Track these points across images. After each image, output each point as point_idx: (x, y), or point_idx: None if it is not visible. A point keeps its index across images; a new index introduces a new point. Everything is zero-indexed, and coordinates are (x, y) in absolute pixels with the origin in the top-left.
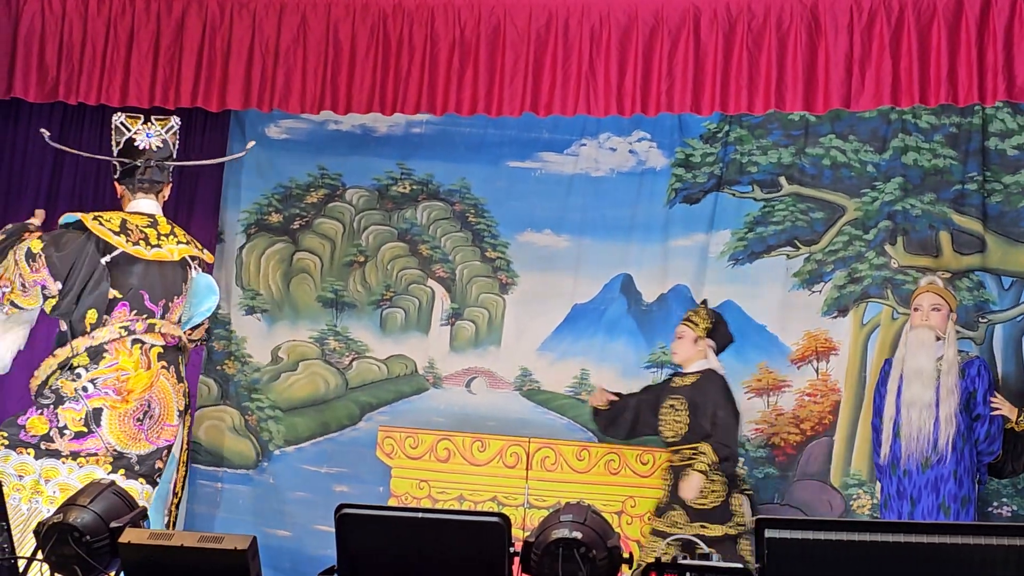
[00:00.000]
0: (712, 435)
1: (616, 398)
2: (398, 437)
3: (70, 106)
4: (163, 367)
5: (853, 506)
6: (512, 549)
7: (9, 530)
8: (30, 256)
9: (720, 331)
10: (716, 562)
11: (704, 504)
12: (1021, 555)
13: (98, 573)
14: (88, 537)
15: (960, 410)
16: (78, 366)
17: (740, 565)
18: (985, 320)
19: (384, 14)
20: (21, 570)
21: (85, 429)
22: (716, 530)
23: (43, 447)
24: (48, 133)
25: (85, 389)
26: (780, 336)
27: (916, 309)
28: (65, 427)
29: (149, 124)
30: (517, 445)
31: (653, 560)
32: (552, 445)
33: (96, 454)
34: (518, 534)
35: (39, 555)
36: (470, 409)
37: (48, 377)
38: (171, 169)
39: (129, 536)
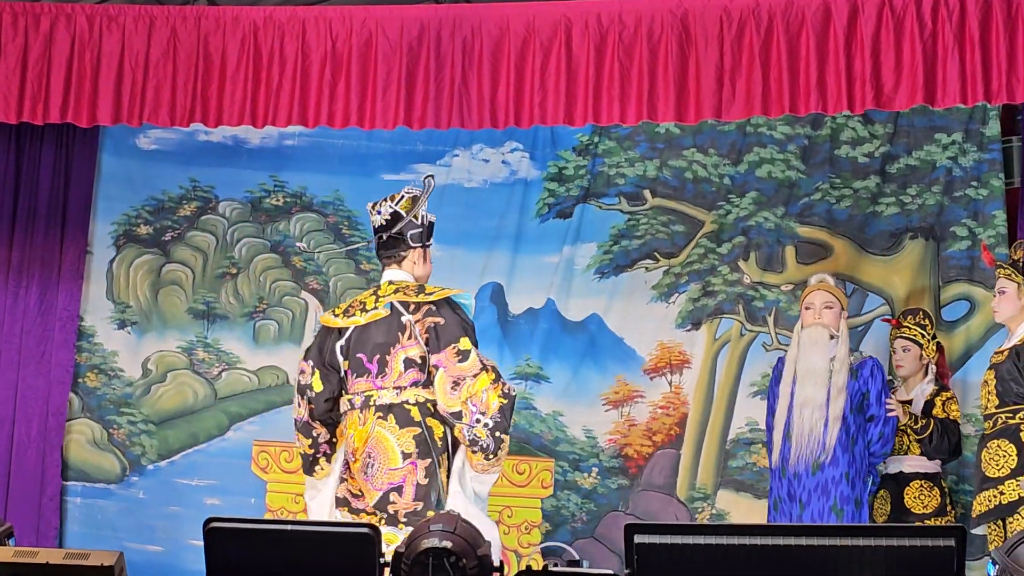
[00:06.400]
0: None
1: None
2: (273, 451)
3: None
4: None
5: (698, 519)
6: (382, 560)
7: None
8: None
9: None
10: (586, 569)
11: None
12: (887, 556)
13: None
14: None
15: (852, 410)
16: None
17: (610, 571)
18: None
19: (255, 26)
20: None
21: None
22: None
23: None
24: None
25: None
26: (637, 348)
27: (808, 308)
28: None
29: (382, 203)
30: None
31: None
32: None
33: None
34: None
35: None
36: None
37: None
38: (410, 235)
39: None
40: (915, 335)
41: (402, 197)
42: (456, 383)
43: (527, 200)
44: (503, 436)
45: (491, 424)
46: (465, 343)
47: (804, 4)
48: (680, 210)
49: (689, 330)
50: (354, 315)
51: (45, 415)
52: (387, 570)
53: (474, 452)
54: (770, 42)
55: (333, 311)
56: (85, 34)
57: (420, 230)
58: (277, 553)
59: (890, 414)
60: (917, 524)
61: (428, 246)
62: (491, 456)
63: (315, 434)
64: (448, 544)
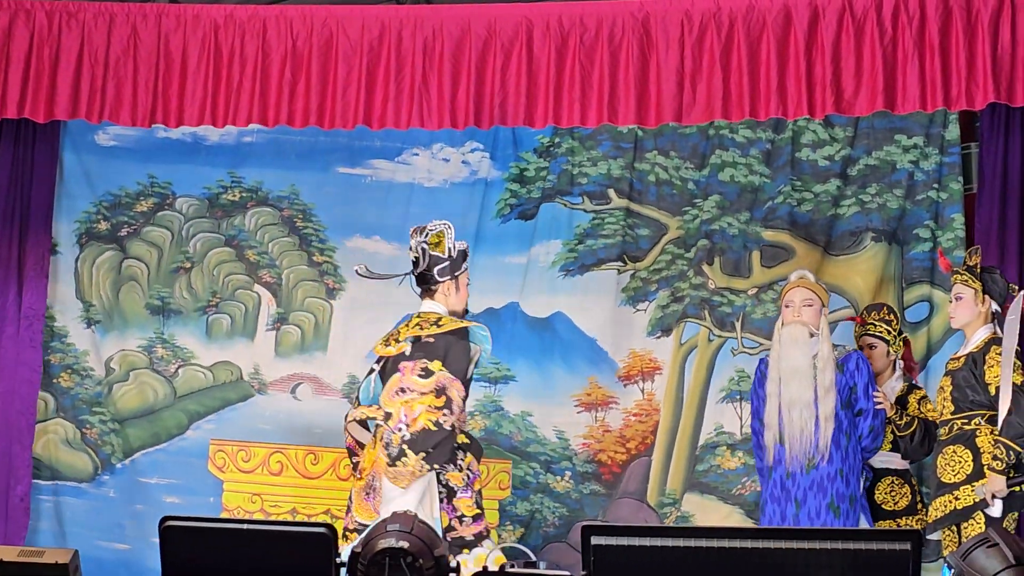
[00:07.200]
0: None
1: None
2: (230, 450)
3: None
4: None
5: (666, 523)
6: (339, 559)
7: None
8: None
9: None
10: (543, 570)
11: None
12: (843, 559)
13: None
14: None
15: (841, 406)
16: None
17: (566, 572)
18: None
19: (216, 25)
20: None
21: None
22: None
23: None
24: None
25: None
26: (610, 352)
27: (787, 306)
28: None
29: (412, 235)
30: None
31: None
32: None
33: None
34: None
35: None
36: (296, 416)
37: None
38: (437, 270)
39: None
40: (881, 331)
41: (427, 233)
42: (403, 390)
43: (487, 200)
44: (409, 452)
45: (408, 437)
46: (436, 365)
47: (765, 9)
48: (644, 213)
49: (659, 337)
50: (390, 345)
51: (11, 414)
52: (343, 570)
53: (384, 454)
54: (731, 46)
55: (382, 340)
56: (44, 30)
57: (447, 263)
58: (233, 552)
59: (878, 407)
60: (879, 527)
61: (460, 275)
62: (391, 464)
63: (355, 460)
64: (405, 544)
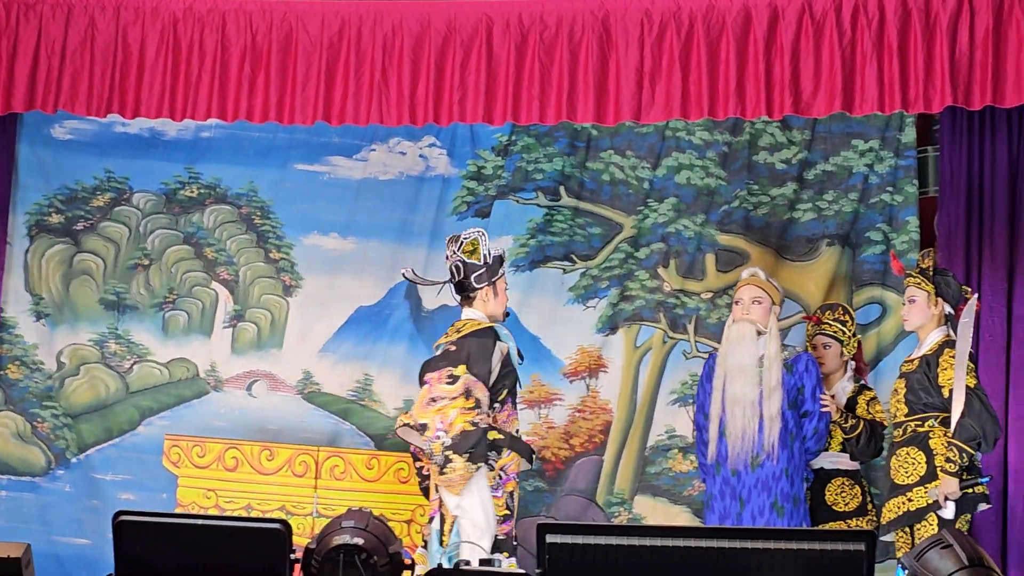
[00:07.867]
0: None
1: None
2: (185, 446)
3: None
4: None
5: (614, 523)
6: (293, 556)
7: None
8: None
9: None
10: (497, 568)
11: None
12: (798, 559)
13: None
14: None
15: (788, 406)
16: None
17: (522, 571)
18: None
19: (175, 18)
20: None
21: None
22: None
23: None
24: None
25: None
26: (554, 350)
27: (737, 303)
28: None
29: (447, 244)
30: (306, 454)
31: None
32: (341, 454)
33: None
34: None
35: None
36: (251, 413)
37: None
38: (474, 277)
39: None
40: (836, 331)
41: (462, 242)
42: (434, 399)
43: (444, 197)
44: (453, 457)
45: (448, 443)
46: (460, 370)
47: (725, 8)
48: (597, 212)
49: (607, 335)
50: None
51: None
52: (298, 567)
53: (432, 464)
54: (690, 46)
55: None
56: (2, 21)
57: (483, 270)
58: (187, 547)
59: (824, 410)
60: (832, 528)
61: (497, 280)
62: (441, 472)
63: (419, 465)
64: (359, 541)
